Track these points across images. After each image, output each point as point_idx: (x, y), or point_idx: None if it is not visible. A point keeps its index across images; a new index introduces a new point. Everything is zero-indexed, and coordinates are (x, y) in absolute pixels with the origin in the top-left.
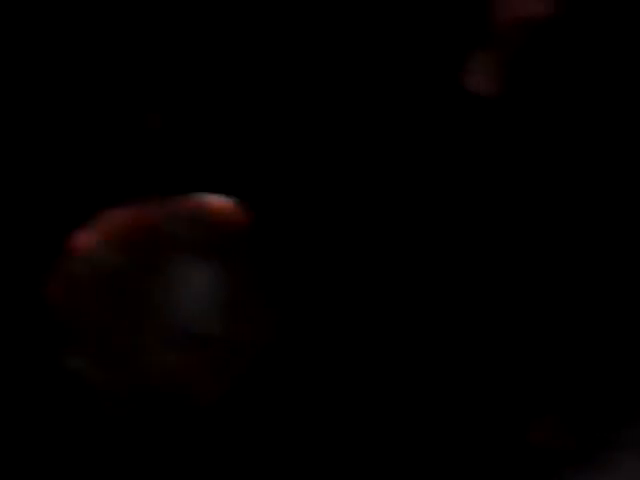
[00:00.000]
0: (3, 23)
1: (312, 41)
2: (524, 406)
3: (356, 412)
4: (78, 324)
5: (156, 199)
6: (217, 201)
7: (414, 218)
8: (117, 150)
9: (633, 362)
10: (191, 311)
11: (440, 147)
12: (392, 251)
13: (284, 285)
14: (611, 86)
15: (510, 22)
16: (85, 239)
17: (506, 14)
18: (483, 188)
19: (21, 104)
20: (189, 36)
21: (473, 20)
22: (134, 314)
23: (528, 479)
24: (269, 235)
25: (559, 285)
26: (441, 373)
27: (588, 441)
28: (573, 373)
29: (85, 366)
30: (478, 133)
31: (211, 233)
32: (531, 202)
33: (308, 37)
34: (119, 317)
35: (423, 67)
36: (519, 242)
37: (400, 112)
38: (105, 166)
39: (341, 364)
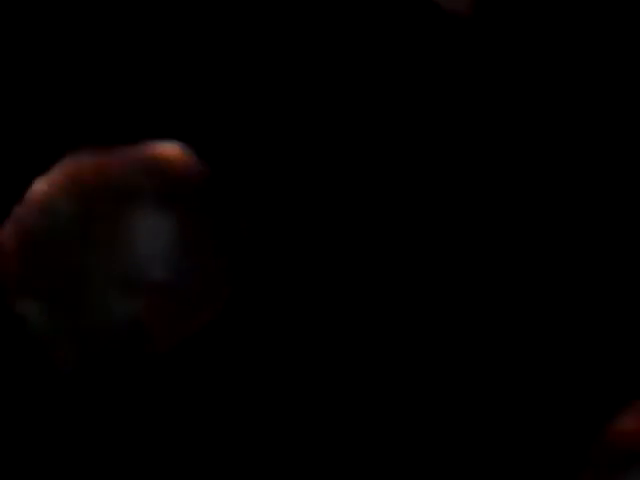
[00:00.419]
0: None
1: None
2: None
3: (314, 365)
4: (30, 271)
5: (110, 147)
6: (172, 149)
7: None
8: (72, 97)
9: None
10: (145, 258)
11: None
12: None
13: (238, 235)
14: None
15: None
16: (39, 187)
17: None
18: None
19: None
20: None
21: None
22: (87, 262)
23: None
24: (223, 185)
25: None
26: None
27: None
28: None
29: (35, 313)
30: (456, 56)
31: (166, 181)
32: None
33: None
34: (72, 265)
35: None
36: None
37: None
38: (61, 114)
39: (297, 319)
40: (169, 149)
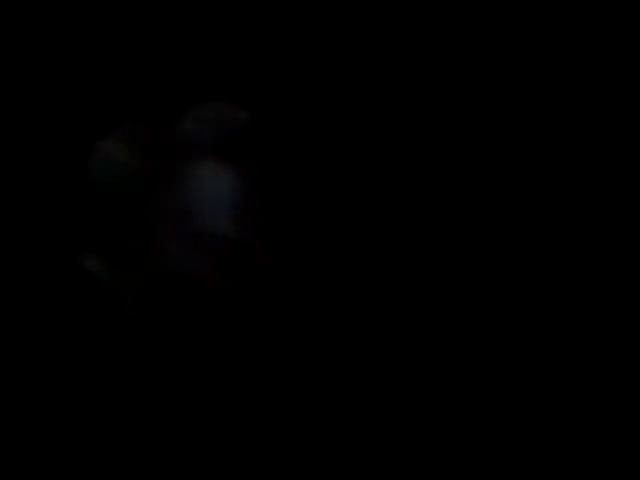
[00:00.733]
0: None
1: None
2: None
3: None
4: (96, 224)
5: (173, 107)
6: (228, 108)
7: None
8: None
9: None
10: (208, 213)
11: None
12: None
13: (297, 196)
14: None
15: None
16: (105, 144)
17: None
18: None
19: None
20: None
21: None
22: (150, 215)
23: None
24: (282, 145)
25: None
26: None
27: None
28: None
29: (100, 266)
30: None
31: (227, 137)
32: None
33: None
34: (136, 217)
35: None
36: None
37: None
38: (118, 80)
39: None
40: (226, 108)
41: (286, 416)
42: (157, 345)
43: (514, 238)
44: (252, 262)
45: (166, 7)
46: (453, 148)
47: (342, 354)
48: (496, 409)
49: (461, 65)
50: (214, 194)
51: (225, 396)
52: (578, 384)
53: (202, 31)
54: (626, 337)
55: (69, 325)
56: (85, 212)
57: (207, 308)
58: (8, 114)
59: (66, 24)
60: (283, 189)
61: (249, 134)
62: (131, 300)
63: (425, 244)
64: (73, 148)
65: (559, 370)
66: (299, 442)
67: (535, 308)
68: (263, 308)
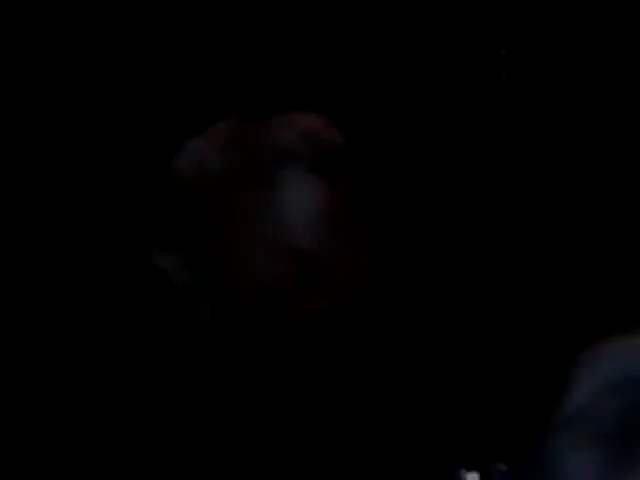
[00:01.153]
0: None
1: None
2: None
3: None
4: (175, 223)
5: (260, 115)
6: (319, 120)
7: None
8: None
9: None
10: (291, 223)
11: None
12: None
13: (386, 210)
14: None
15: None
16: (195, 143)
17: None
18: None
19: None
20: None
21: None
22: (232, 221)
23: None
24: (372, 159)
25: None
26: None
27: None
28: None
29: (178, 267)
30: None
31: (319, 150)
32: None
33: None
34: (217, 222)
35: None
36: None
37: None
38: (214, 85)
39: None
40: (317, 120)
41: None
42: (228, 348)
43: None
44: (325, 276)
45: (261, 13)
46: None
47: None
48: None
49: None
50: (297, 204)
51: (297, 404)
52: None
53: (301, 38)
54: None
55: (143, 324)
56: (165, 210)
57: (279, 315)
58: (98, 109)
59: (165, 20)
60: (369, 208)
61: (340, 149)
62: (204, 301)
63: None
64: (160, 144)
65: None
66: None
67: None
68: (346, 332)
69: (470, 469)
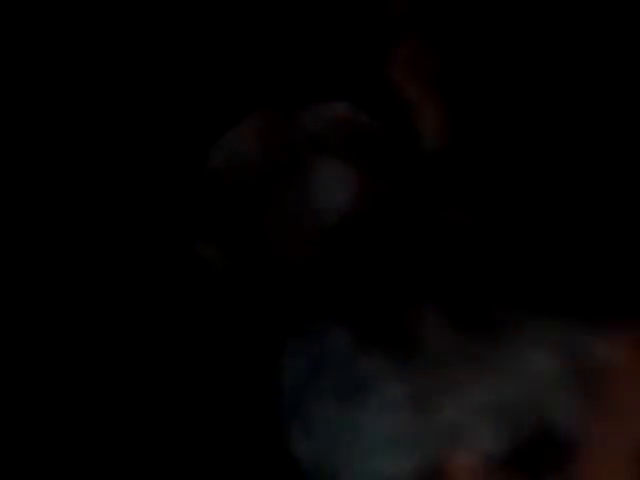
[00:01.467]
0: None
1: None
2: None
3: None
4: (213, 213)
5: (293, 106)
6: (350, 109)
7: None
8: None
9: None
10: (323, 209)
11: None
12: None
13: (410, 193)
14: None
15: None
16: (232, 136)
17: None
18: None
19: None
20: None
21: None
22: (270, 207)
23: None
24: (400, 145)
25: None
26: None
27: None
28: None
29: (217, 255)
30: None
31: (349, 137)
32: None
33: None
34: (254, 208)
35: None
36: None
37: None
38: (248, 77)
39: None
40: (346, 107)
41: None
42: (264, 336)
43: None
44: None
45: (290, 9)
46: None
47: None
48: None
49: None
50: (329, 190)
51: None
52: None
53: (329, 32)
54: None
55: (186, 310)
56: (205, 201)
57: (310, 301)
58: (137, 103)
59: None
60: (398, 199)
61: (369, 136)
62: (243, 287)
63: None
64: (199, 136)
65: None
66: None
67: None
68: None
69: None
